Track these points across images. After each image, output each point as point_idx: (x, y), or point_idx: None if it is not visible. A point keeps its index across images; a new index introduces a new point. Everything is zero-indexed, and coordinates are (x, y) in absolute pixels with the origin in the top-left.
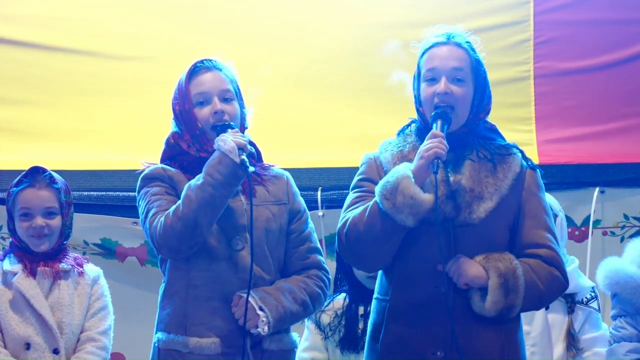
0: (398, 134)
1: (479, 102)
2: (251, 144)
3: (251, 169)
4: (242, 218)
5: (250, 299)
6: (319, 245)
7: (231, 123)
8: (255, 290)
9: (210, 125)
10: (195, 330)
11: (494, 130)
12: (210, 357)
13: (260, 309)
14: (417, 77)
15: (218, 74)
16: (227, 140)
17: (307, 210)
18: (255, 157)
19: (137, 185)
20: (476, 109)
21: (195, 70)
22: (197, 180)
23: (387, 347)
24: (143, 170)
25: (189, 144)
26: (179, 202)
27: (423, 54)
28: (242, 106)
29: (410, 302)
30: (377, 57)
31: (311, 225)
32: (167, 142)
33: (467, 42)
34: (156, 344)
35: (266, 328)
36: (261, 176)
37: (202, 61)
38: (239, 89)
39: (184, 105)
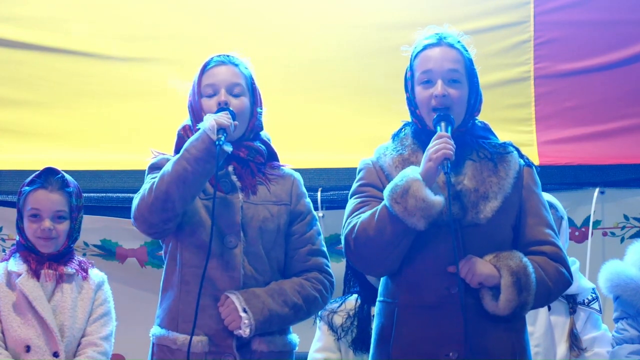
0: (393, 138)
1: (474, 102)
2: (264, 143)
3: (228, 148)
4: (237, 215)
5: (235, 299)
6: (323, 249)
7: (230, 108)
8: (244, 291)
9: None
10: (186, 328)
11: (487, 129)
12: (197, 355)
13: (244, 310)
14: (411, 79)
15: (232, 68)
16: (209, 119)
17: (312, 213)
18: (265, 154)
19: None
20: (471, 109)
21: (210, 64)
22: (176, 156)
23: (399, 349)
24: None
25: None
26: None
27: (415, 56)
28: (253, 104)
29: (420, 304)
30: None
31: (317, 228)
32: (179, 134)
33: (458, 41)
34: (152, 339)
35: (247, 330)
36: (266, 175)
37: (218, 55)
38: (253, 87)
39: (194, 97)
